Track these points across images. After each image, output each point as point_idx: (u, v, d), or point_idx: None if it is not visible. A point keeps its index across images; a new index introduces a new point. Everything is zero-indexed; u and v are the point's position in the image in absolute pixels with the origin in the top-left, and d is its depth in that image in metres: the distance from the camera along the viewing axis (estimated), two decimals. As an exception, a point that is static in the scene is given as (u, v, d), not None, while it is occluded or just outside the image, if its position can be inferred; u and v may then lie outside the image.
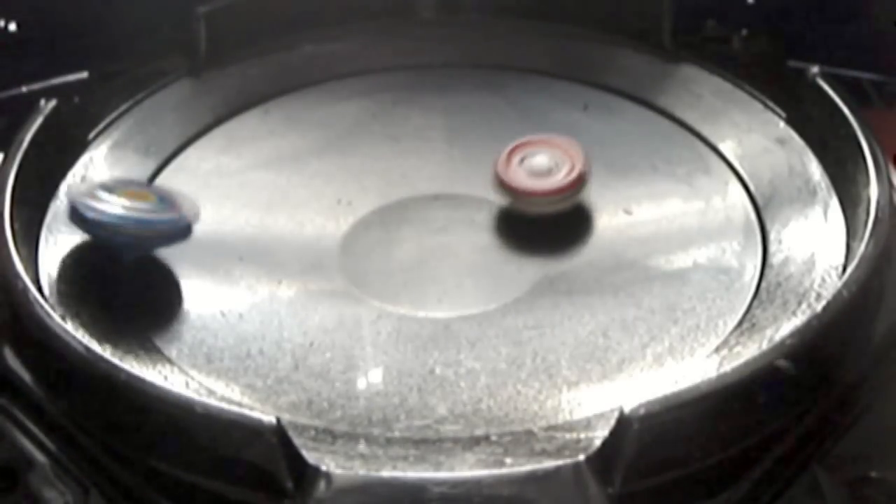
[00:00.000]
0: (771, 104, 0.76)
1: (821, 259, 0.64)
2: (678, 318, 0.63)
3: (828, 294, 0.58)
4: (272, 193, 0.73)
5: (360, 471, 0.53)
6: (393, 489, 0.51)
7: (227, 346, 0.62)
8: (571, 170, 0.69)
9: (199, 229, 0.70)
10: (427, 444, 0.55)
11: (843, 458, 0.56)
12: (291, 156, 0.77)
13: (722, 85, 0.78)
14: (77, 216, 0.64)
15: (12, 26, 0.87)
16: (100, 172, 0.73)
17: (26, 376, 0.59)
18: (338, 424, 0.57)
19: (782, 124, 0.74)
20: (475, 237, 0.70)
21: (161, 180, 0.74)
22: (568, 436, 0.55)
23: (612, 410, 0.53)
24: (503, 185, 0.70)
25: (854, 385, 0.58)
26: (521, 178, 0.69)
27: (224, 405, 0.53)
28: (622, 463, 0.50)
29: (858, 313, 0.59)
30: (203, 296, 0.66)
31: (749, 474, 0.54)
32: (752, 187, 0.71)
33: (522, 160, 0.70)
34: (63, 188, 0.71)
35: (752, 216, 0.69)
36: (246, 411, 0.52)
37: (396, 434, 0.56)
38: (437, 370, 0.60)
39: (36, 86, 0.83)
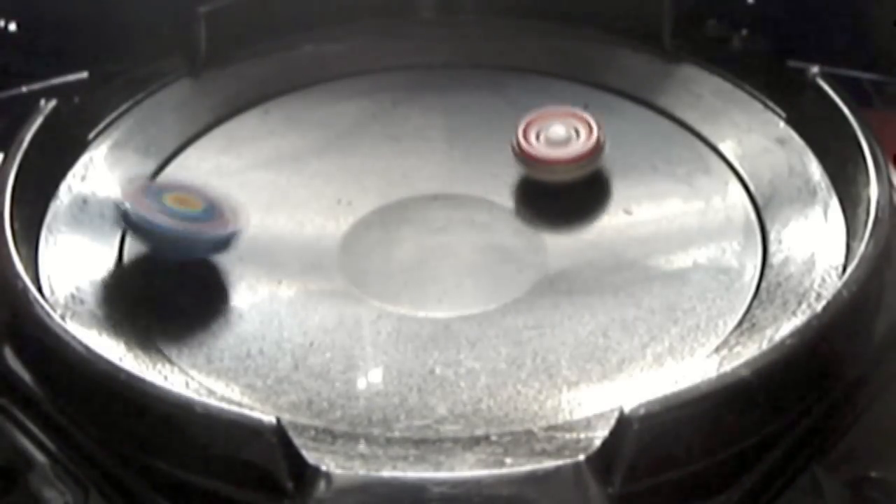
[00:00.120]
0: (771, 104, 0.76)
1: (821, 259, 0.64)
2: (678, 318, 0.63)
3: (828, 294, 0.58)
4: (272, 193, 0.73)
5: (360, 471, 0.53)
6: (393, 489, 0.51)
7: (227, 346, 0.62)
8: (589, 137, 0.71)
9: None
10: (427, 444, 0.55)
11: (843, 458, 0.56)
12: (291, 156, 0.77)
13: (722, 85, 0.78)
14: (126, 220, 0.65)
15: (12, 26, 0.87)
16: (100, 172, 0.73)
17: (26, 376, 0.59)
18: (338, 424, 0.57)
19: (782, 124, 0.74)
20: (475, 237, 0.70)
21: (161, 180, 0.74)
22: (568, 436, 0.55)
23: (612, 410, 0.53)
24: (525, 156, 0.71)
25: (854, 385, 0.58)
26: (541, 148, 0.71)
27: (224, 405, 0.53)
28: (622, 463, 0.50)
29: (858, 313, 0.59)
30: (203, 296, 0.66)
31: (749, 474, 0.54)
32: (752, 187, 0.71)
33: (539, 132, 0.72)
34: (63, 188, 0.71)
35: (752, 216, 0.69)
36: (246, 411, 0.52)
37: (396, 434, 0.56)
38: (437, 370, 0.60)
39: (36, 86, 0.83)
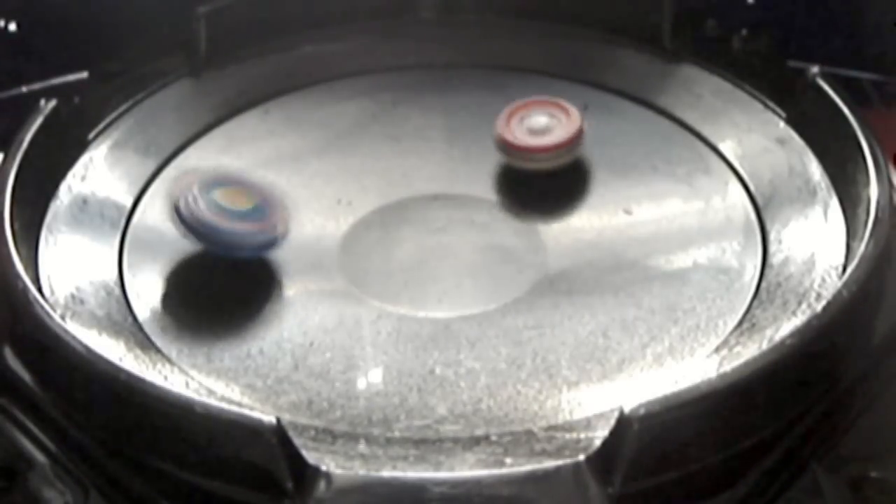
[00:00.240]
0: (771, 104, 0.76)
1: (821, 259, 0.64)
2: (678, 318, 0.63)
3: (828, 294, 0.58)
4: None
5: (360, 471, 0.53)
6: (393, 489, 0.51)
7: (227, 346, 0.62)
8: (569, 127, 0.72)
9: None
10: (427, 444, 0.55)
11: (843, 458, 0.56)
12: (291, 156, 0.77)
13: (722, 85, 0.78)
14: (177, 215, 0.65)
15: (12, 26, 0.87)
16: (100, 172, 0.73)
17: (26, 376, 0.59)
18: (338, 424, 0.57)
19: (782, 124, 0.74)
20: (475, 237, 0.70)
21: (161, 180, 0.74)
22: (568, 436, 0.55)
23: (612, 410, 0.53)
24: (505, 144, 0.72)
25: (854, 385, 0.58)
26: (521, 136, 0.72)
27: (224, 405, 0.53)
28: (622, 463, 0.50)
29: (858, 313, 0.59)
30: (203, 296, 0.66)
31: (749, 474, 0.54)
32: (752, 187, 0.71)
33: (522, 120, 0.73)
34: (63, 188, 0.71)
35: (752, 216, 0.69)
36: (246, 411, 0.52)
37: (396, 434, 0.56)
38: (437, 370, 0.60)
39: (36, 86, 0.83)
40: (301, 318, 0.64)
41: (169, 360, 0.61)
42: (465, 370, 0.60)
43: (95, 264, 0.67)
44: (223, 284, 0.66)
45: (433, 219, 0.71)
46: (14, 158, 0.67)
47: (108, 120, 0.76)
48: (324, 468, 0.51)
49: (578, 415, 0.57)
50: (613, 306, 0.64)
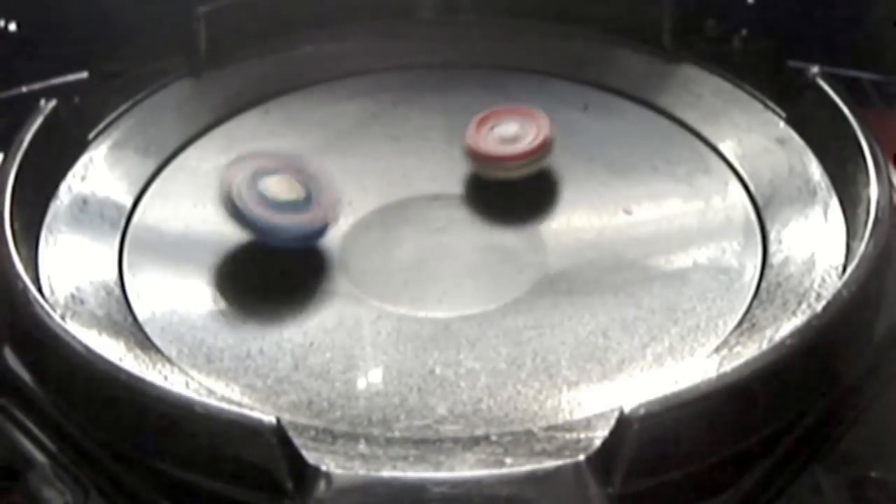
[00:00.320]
0: (771, 104, 0.76)
1: (821, 259, 0.64)
2: (678, 318, 0.63)
3: (828, 294, 0.58)
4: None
5: (360, 471, 0.53)
6: (393, 489, 0.51)
7: (227, 346, 0.62)
8: (537, 135, 0.72)
9: (199, 229, 0.70)
10: (427, 444, 0.55)
11: (843, 458, 0.56)
12: (292, 156, 0.77)
13: (722, 85, 0.78)
14: (226, 206, 0.66)
15: (12, 26, 0.87)
16: (100, 172, 0.73)
17: (26, 376, 0.59)
18: (338, 424, 0.57)
19: (782, 124, 0.74)
20: (475, 237, 0.70)
21: (161, 180, 0.74)
22: (568, 436, 0.55)
23: (612, 410, 0.53)
24: (472, 153, 0.72)
25: (854, 385, 0.58)
26: (490, 144, 0.72)
27: (224, 405, 0.53)
28: (622, 463, 0.50)
29: (858, 313, 0.59)
30: (203, 296, 0.66)
31: (749, 474, 0.54)
32: (752, 187, 0.71)
33: (492, 129, 0.73)
34: (63, 188, 0.71)
35: (752, 216, 0.69)
36: (246, 411, 0.52)
37: (396, 434, 0.56)
38: (437, 370, 0.60)
39: (36, 86, 0.83)
40: (301, 318, 0.64)
41: (169, 360, 0.61)
42: (465, 370, 0.60)
43: (95, 264, 0.67)
44: (223, 285, 0.66)
45: (433, 219, 0.71)
46: (14, 158, 0.67)
47: (108, 120, 0.76)
48: (324, 468, 0.51)
49: (578, 415, 0.57)
50: (613, 306, 0.64)
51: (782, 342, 0.54)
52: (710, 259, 0.67)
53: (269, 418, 0.50)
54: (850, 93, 0.70)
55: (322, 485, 0.51)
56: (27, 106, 0.72)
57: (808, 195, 0.69)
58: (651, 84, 0.80)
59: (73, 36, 0.85)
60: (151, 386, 0.53)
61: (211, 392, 0.59)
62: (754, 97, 0.76)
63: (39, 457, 0.56)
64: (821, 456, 0.55)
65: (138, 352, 0.61)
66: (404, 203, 0.72)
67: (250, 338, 0.63)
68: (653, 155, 0.75)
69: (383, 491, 0.51)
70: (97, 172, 0.73)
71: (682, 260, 0.67)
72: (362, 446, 0.55)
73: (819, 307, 0.56)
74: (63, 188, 0.71)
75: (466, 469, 0.53)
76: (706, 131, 0.76)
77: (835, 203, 0.67)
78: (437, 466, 0.53)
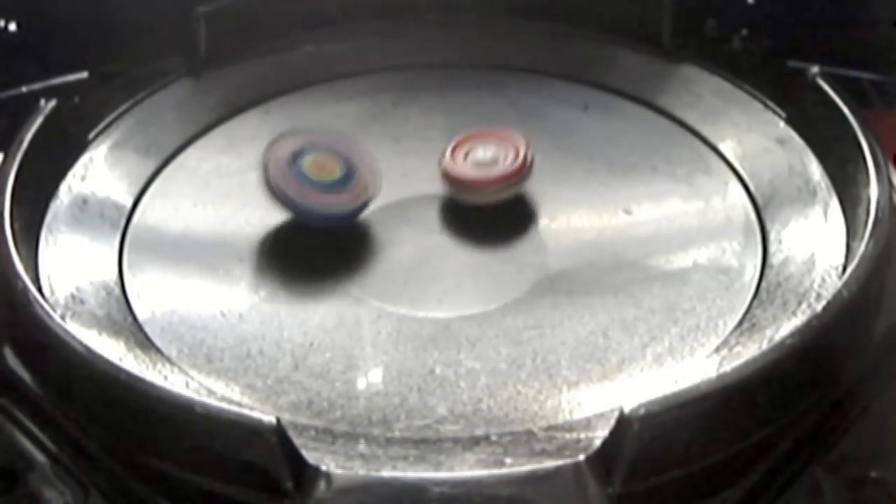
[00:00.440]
0: (771, 104, 0.76)
1: (821, 259, 0.64)
2: (678, 318, 0.63)
3: (828, 294, 0.58)
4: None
5: (360, 471, 0.53)
6: (393, 489, 0.51)
7: (227, 346, 0.62)
8: (515, 158, 0.70)
9: (199, 229, 0.70)
10: (427, 444, 0.55)
11: (843, 458, 0.56)
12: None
13: (722, 85, 0.78)
14: (266, 186, 0.68)
15: (12, 26, 0.87)
16: (100, 172, 0.73)
17: (26, 376, 0.59)
18: (338, 424, 0.57)
19: (782, 124, 0.74)
20: (475, 237, 0.70)
21: (161, 180, 0.74)
22: (568, 436, 0.55)
23: (612, 410, 0.53)
24: (449, 178, 0.71)
25: (854, 385, 0.58)
26: (466, 170, 0.71)
27: (224, 405, 0.53)
28: (622, 463, 0.50)
29: (858, 313, 0.59)
30: (203, 296, 0.66)
31: (749, 474, 0.54)
32: (752, 187, 0.71)
33: (468, 154, 0.71)
34: (63, 188, 0.71)
35: (752, 216, 0.69)
36: (246, 411, 0.52)
37: (396, 434, 0.56)
38: (437, 370, 0.60)
39: (36, 86, 0.83)
40: (301, 318, 0.64)
41: (169, 360, 0.61)
42: (465, 370, 0.60)
43: (95, 264, 0.67)
44: (223, 285, 0.66)
45: (433, 219, 0.71)
46: (14, 158, 0.67)
47: (108, 120, 0.76)
48: (324, 468, 0.51)
49: (578, 415, 0.57)
50: (613, 306, 0.64)
51: (782, 342, 0.54)
52: (710, 259, 0.67)
53: (269, 418, 0.50)
54: (850, 93, 0.70)
55: (322, 485, 0.51)
56: (27, 106, 0.72)
57: (808, 195, 0.69)
58: (651, 84, 0.80)
59: (73, 36, 0.85)
60: (151, 386, 0.53)
61: (211, 392, 0.59)
62: (754, 97, 0.77)
63: (39, 457, 0.57)
64: (821, 456, 0.55)
65: (138, 352, 0.61)
66: (404, 203, 0.72)
67: (250, 338, 0.63)
68: (653, 155, 0.75)
69: (383, 491, 0.51)
70: (97, 172, 0.73)
71: (682, 260, 0.67)
72: (362, 446, 0.55)
73: (819, 307, 0.57)
74: (63, 188, 0.71)
75: (466, 469, 0.53)
76: (706, 131, 0.76)
77: (835, 203, 0.67)
78: (437, 466, 0.53)
